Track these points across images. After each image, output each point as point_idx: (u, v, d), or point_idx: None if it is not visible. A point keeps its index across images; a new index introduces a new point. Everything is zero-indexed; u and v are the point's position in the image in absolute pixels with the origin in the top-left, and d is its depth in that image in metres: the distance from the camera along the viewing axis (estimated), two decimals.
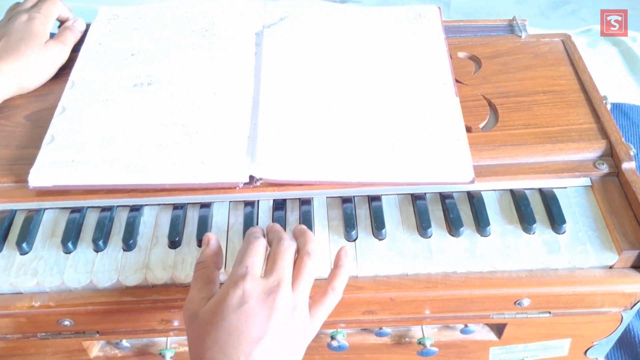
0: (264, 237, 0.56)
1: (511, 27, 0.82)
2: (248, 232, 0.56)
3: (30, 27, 0.73)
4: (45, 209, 0.63)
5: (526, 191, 0.63)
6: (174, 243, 0.60)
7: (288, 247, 0.54)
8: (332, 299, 0.54)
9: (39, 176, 0.61)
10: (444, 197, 0.63)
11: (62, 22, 0.80)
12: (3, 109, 0.71)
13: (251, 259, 0.52)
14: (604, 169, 0.63)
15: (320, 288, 0.54)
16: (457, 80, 0.71)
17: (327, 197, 0.64)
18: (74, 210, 0.63)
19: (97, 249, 0.60)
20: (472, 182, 0.61)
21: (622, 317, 0.63)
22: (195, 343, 0.49)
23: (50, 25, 0.76)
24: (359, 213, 0.62)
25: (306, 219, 0.61)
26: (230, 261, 0.59)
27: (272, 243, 0.55)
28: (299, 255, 0.54)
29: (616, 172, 0.63)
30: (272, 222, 0.61)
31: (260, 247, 0.53)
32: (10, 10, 0.79)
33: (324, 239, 0.61)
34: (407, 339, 0.69)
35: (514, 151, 0.64)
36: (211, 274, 0.54)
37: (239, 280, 0.50)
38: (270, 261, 0.53)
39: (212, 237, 0.56)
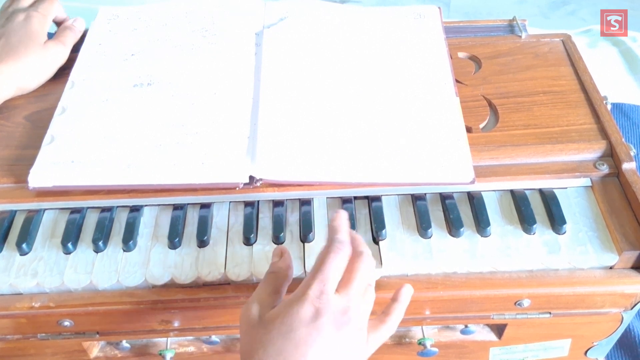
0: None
1: (511, 27, 0.82)
2: (332, 230, 0.54)
3: (28, 27, 0.73)
4: (45, 210, 0.63)
5: (526, 191, 0.63)
6: (173, 243, 0.60)
7: (368, 265, 0.53)
8: (387, 330, 0.54)
9: (38, 177, 0.61)
10: (444, 198, 0.63)
11: (58, 23, 0.79)
12: (3, 109, 0.71)
13: (329, 274, 0.51)
14: (604, 169, 0.63)
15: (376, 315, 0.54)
16: (457, 81, 0.71)
17: (327, 198, 0.64)
18: (74, 210, 0.63)
19: (97, 250, 0.60)
20: (473, 182, 0.61)
21: (622, 318, 0.63)
22: (253, 347, 0.48)
23: (48, 25, 0.76)
24: (359, 213, 0.62)
25: (306, 220, 0.61)
26: (230, 262, 0.59)
27: (352, 254, 0.54)
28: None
29: (616, 173, 0.63)
30: (272, 222, 0.61)
31: (342, 259, 0.52)
32: (6, 8, 0.77)
33: (324, 239, 0.60)
34: (407, 339, 0.69)
35: (514, 152, 0.64)
36: (281, 285, 0.53)
37: (315, 295, 0.49)
38: (347, 276, 0.52)
39: (286, 251, 0.56)
